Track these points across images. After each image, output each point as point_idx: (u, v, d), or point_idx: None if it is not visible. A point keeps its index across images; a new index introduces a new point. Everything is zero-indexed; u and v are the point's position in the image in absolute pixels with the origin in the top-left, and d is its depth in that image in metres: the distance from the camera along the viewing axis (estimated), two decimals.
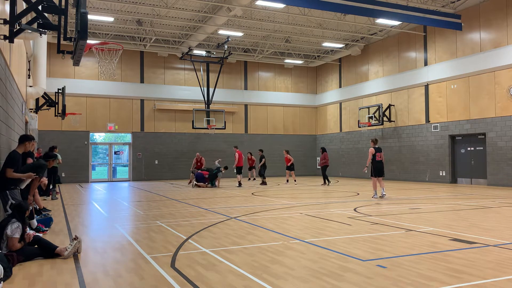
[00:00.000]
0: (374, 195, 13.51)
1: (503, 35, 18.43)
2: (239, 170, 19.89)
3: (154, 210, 11.24)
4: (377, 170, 13.44)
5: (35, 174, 7.26)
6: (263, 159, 21.46)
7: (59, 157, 14.82)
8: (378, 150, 13.53)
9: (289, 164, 21.29)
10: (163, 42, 25.66)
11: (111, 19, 20.87)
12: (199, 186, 19.30)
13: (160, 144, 26.63)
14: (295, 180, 21.62)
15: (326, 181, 20.01)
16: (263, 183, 20.64)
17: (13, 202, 6.66)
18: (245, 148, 28.14)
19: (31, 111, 17.34)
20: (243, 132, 29.19)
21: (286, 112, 30.59)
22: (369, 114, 25.17)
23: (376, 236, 7.11)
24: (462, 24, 19.55)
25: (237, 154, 19.88)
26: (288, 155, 21.32)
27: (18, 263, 5.47)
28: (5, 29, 7.47)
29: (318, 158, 30.86)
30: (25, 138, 7.44)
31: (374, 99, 25.78)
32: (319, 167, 20.97)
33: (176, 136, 27.09)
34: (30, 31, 7.57)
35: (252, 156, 24.35)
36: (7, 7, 7.73)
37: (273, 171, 28.23)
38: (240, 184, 19.78)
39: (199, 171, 19.96)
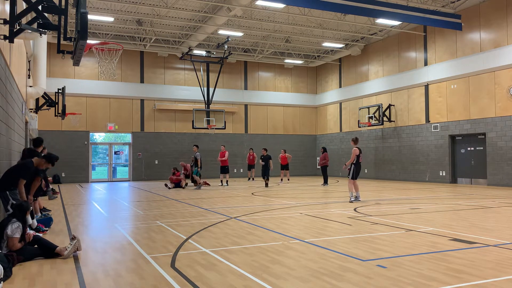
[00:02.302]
0: (351, 198, 12.53)
1: (503, 35, 18.43)
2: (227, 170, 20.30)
3: (154, 210, 11.24)
4: (358, 172, 12.74)
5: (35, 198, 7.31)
6: (270, 160, 19.89)
7: None
8: (360, 151, 12.76)
9: (285, 163, 21.51)
10: (163, 42, 25.66)
11: (111, 19, 20.87)
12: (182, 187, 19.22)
13: (160, 144, 26.64)
14: (288, 179, 21.93)
15: (324, 182, 20.00)
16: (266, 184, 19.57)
17: (14, 202, 6.67)
18: (245, 148, 28.17)
19: (31, 111, 17.33)
20: (243, 132, 29.18)
21: (286, 112, 30.59)
22: (369, 114, 25.17)
23: (376, 236, 7.11)
24: (462, 24, 19.55)
25: (227, 153, 20.17)
26: (286, 154, 21.55)
27: (18, 263, 5.47)
28: (5, 29, 7.47)
29: (318, 158, 30.87)
30: (48, 159, 7.45)
31: (374, 99, 25.78)
32: (319, 167, 20.85)
33: (176, 136, 27.09)
34: (30, 31, 7.57)
35: (254, 153, 24.21)
36: (7, 7, 7.73)
37: (273, 171, 28.22)
38: (222, 183, 20.30)
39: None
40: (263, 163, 19.84)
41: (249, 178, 24.78)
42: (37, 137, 9.75)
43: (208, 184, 20.12)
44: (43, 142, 9.76)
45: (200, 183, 18.92)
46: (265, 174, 19.55)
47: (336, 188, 18.50)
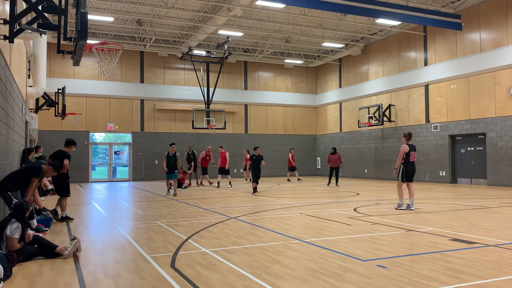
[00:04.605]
0: (400, 205, 10.75)
1: (503, 35, 18.43)
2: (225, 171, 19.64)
3: (154, 210, 11.24)
4: (410, 174, 10.76)
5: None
6: (262, 161, 16.58)
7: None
8: (412, 148, 10.68)
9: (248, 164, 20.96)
10: (163, 42, 25.66)
11: (111, 19, 20.87)
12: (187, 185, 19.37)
13: (160, 144, 26.62)
14: (251, 179, 19.19)
15: (334, 182, 19.62)
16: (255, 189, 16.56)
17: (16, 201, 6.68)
18: (245, 148, 28.14)
19: (31, 111, 17.33)
20: (243, 132, 29.18)
21: (286, 112, 30.58)
22: (369, 114, 25.17)
23: (376, 236, 7.11)
24: (462, 24, 19.54)
25: (227, 154, 19.81)
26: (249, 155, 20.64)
27: (18, 263, 5.47)
28: (5, 29, 7.47)
29: (319, 158, 30.86)
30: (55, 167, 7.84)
31: (374, 99, 25.77)
32: (333, 167, 19.37)
33: (176, 136, 27.06)
34: (30, 31, 7.57)
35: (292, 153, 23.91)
36: (7, 7, 7.73)
37: (273, 171, 28.29)
38: (218, 184, 19.68)
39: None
40: (250, 165, 16.61)
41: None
42: (69, 138, 10.12)
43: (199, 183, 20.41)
44: (72, 143, 9.85)
45: (186, 185, 19.21)
46: (256, 177, 16.24)
47: (336, 188, 18.50)
